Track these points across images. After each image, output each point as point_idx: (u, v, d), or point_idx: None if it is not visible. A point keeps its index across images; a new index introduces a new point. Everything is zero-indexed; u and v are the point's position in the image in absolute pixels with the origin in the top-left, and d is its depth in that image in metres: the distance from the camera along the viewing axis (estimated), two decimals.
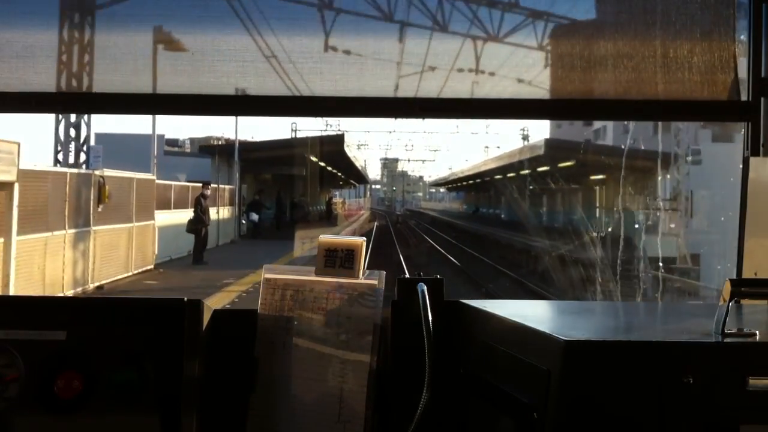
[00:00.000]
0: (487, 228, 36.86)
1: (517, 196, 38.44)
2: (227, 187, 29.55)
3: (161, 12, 2.22)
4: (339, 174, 51.02)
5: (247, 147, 32.05)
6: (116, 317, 1.58)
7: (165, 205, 21.59)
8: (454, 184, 73.61)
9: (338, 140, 36.09)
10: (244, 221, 30.23)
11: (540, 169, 33.11)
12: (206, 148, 35.28)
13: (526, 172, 35.23)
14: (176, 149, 43.43)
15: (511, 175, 38.57)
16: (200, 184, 24.81)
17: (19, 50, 2.16)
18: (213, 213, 24.78)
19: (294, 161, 34.05)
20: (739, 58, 2.17)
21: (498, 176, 42.27)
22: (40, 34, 2.18)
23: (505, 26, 2.30)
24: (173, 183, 23.69)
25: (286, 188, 41.60)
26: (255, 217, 30.30)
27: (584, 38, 2.29)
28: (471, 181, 58.44)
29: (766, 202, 2.09)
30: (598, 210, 31.55)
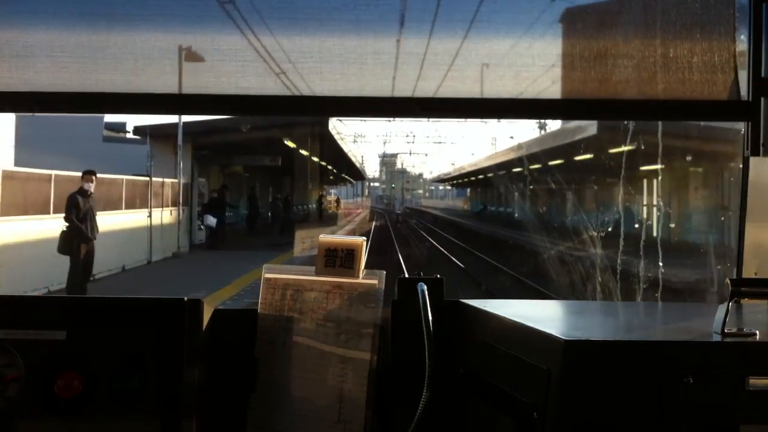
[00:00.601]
0: (502, 230, 30.89)
1: (540, 192, 32.77)
2: (169, 180, 21.86)
3: (161, 12, 2.22)
4: (329, 167, 43.79)
5: (202, 129, 23.30)
6: (116, 317, 1.58)
7: (39, 207, 14.41)
8: (460, 180, 67.89)
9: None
10: (202, 227, 24.06)
11: (579, 157, 25.80)
12: (140, 129, 24.41)
13: (557, 162, 28.36)
14: (121, 135, 28.93)
15: (536, 166, 31.66)
16: (142, 177, 18.89)
17: (19, 50, 2.16)
18: (138, 217, 18.78)
19: (269, 149, 26.97)
20: (739, 58, 2.17)
21: (516, 169, 34.74)
22: (40, 34, 2.18)
23: (504, 26, 2.29)
24: (53, 173, 15.00)
25: (266, 184, 35.78)
26: (212, 220, 23.61)
27: (584, 38, 2.28)
28: (481, 176, 50.05)
29: (766, 202, 2.09)
30: (654, 209, 24.82)
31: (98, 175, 14.66)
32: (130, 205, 18.85)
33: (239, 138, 24.03)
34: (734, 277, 2.06)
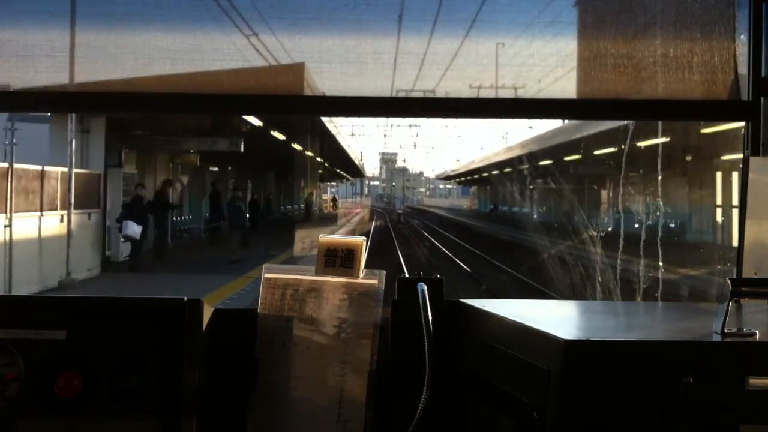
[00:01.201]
0: (524, 235, 24.47)
1: (567, 191, 26.92)
2: (59, 170, 15.35)
3: (161, 12, 2.22)
4: (320, 160, 37.01)
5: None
6: (116, 317, 1.58)
7: None
8: (469, 177, 61.49)
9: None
10: (122, 237, 17.30)
11: (645, 142, 17.12)
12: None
13: (606, 151, 20.96)
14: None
15: (574, 157, 25.81)
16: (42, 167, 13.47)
17: (19, 50, 2.16)
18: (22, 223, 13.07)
19: (230, 130, 20.87)
20: (739, 58, 2.16)
21: (544, 162, 28.66)
22: (40, 34, 2.18)
23: (504, 26, 2.30)
24: None
25: (242, 179, 29.49)
26: (135, 229, 16.70)
27: (584, 38, 2.29)
28: (496, 171, 44.16)
29: (766, 202, 2.09)
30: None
31: None
32: None
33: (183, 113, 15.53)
34: (734, 276, 2.06)
